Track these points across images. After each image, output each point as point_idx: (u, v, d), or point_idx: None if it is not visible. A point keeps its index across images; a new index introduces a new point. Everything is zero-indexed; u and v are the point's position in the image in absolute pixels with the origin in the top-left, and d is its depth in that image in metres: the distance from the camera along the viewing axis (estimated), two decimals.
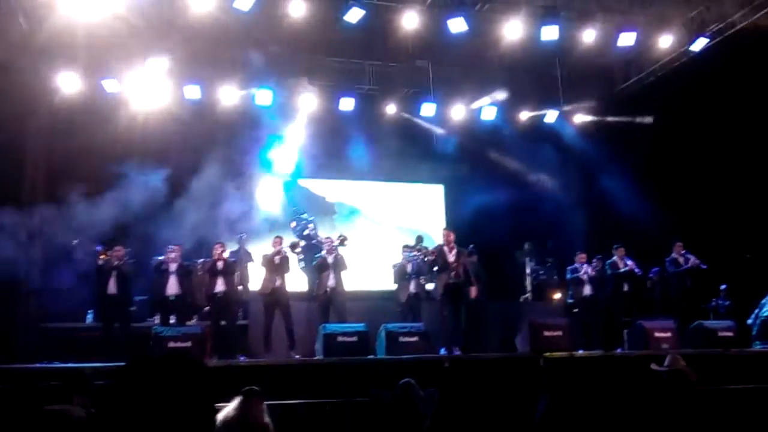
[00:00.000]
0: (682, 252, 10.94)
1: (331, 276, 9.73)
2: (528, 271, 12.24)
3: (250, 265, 10.80)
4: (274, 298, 9.50)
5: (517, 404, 7.59)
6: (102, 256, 9.24)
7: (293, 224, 12.63)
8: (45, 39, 10.66)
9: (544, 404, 4.96)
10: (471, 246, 10.94)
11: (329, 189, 14.10)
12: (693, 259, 10.80)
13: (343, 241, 10.30)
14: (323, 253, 9.92)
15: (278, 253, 9.61)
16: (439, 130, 13.85)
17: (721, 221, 12.31)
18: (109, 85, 11.60)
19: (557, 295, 12.15)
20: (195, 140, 12.12)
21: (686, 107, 12.50)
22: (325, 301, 9.70)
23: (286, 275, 9.71)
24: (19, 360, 8.19)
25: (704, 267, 10.75)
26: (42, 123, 11.40)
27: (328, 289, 9.69)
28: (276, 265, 9.56)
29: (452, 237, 9.92)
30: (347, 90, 12.93)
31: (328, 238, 10.36)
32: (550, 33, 11.08)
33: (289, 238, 10.77)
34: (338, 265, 9.80)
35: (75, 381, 5.03)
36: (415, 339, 9.06)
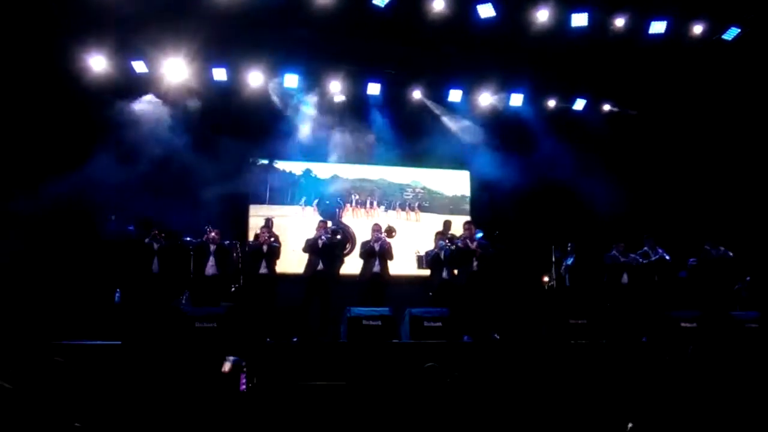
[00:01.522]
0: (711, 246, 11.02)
1: (377, 263, 9.90)
2: (553, 258, 12.17)
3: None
4: (316, 282, 9.65)
5: (541, 391, 7.64)
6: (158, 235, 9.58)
7: (326, 202, 13.30)
8: (73, 19, 10.79)
9: None
10: (496, 233, 10.98)
11: (354, 173, 14.09)
12: (722, 249, 10.86)
13: (391, 232, 10.44)
14: (371, 240, 10.06)
15: (321, 237, 9.77)
16: (464, 117, 13.82)
17: (750, 213, 12.23)
18: (138, 66, 11.73)
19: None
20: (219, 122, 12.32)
21: (718, 96, 12.35)
22: (369, 287, 9.85)
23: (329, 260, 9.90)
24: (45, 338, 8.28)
25: (730, 255, 10.83)
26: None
27: (373, 276, 9.86)
28: (319, 250, 9.71)
29: (474, 230, 10.15)
30: (374, 74, 12.92)
31: (376, 224, 10.47)
32: (579, 20, 10.99)
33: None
34: (385, 253, 9.99)
35: None
36: (439, 324, 9.12)
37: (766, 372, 8.18)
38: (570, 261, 11.32)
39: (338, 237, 10.12)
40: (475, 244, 10.00)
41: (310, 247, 9.81)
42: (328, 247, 9.83)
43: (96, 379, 6.87)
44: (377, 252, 9.98)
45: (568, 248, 11.41)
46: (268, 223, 10.85)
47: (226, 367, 5.68)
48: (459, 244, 10.07)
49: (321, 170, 13.85)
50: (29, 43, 10.61)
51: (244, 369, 5.63)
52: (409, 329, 9.13)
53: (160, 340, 8.27)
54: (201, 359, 7.34)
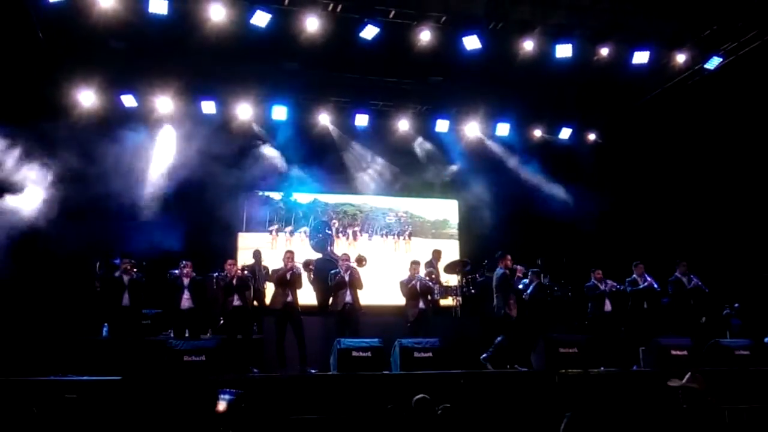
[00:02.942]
0: (682, 272, 10.96)
1: (348, 293, 9.78)
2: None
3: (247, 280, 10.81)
4: (285, 314, 9.53)
5: (531, 421, 7.59)
6: (126, 267, 9.44)
7: (319, 236, 13.16)
8: (63, 52, 10.87)
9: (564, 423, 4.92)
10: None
11: (343, 203, 14.11)
12: (695, 281, 10.79)
13: (361, 261, 10.36)
14: (341, 270, 9.96)
15: (290, 269, 9.66)
16: (452, 146, 13.93)
17: (734, 238, 12.27)
18: (127, 100, 11.79)
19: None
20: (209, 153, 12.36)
21: (702, 124, 12.49)
22: (342, 317, 9.72)
23: (299, 291, 9.76)
24: (35, 373, 8.19)
25: (706, 290, 10.73)
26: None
27: (346, 305, 9.73)
28: (287, 281, 9.60)
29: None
30: (362, 106, 13.02)
31: (345, 254, 10.39)
32: (564, 51, 11.13)
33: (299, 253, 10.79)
34: (354, 283, 9.88)
35: None
36: (429, 354, 9.05)
37: (758, 399, 8.21)
38: (529, 290, 11.19)
39: (311, 267, 10.05)
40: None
41: (279, 279, 9.70)
42: (295, 279, 9.72)
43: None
44: (347, 282, 9.89)
45: (527, 279, 11.30)
46: (257, 256, 10.81)
47: (221, 406, 5.53)
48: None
49: (301, 195, 13.84)
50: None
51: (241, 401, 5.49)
52: (400, 360, 9.05)
53: (148, 375, 8.17)
54: (191, 394, 7.27)
